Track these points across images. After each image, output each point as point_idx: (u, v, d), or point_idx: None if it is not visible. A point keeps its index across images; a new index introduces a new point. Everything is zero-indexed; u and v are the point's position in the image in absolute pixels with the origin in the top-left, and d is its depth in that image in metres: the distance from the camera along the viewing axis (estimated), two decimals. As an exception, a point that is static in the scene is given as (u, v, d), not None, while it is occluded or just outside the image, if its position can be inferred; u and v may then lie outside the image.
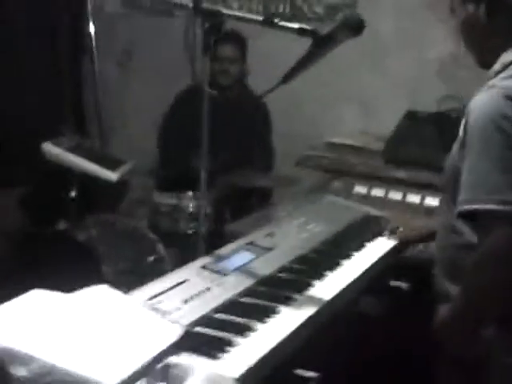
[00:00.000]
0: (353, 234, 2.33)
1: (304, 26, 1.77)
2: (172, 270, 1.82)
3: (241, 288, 1.76)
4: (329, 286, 1.88)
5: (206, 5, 1.93)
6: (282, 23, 1.81)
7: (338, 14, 3.65)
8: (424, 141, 3.84)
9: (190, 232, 3.34)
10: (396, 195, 3.23)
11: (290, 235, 2.18)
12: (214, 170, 3.77)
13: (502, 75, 1.77)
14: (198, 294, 1.67)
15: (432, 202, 3.19)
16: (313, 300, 1.77)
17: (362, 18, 1.76)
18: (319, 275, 1.93)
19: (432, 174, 3.64)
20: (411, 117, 3.96)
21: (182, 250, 3.05)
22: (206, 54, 1.95)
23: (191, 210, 3.41)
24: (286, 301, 1.73)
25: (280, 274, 1.91)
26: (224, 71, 3.97)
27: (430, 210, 3.10)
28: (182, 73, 4.12)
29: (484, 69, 1.95)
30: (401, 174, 3.63)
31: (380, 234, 2.37)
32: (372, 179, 3.47)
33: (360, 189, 3.32)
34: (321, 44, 1.76)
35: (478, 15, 1.84)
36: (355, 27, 1.75)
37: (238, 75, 4.02)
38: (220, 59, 3.93)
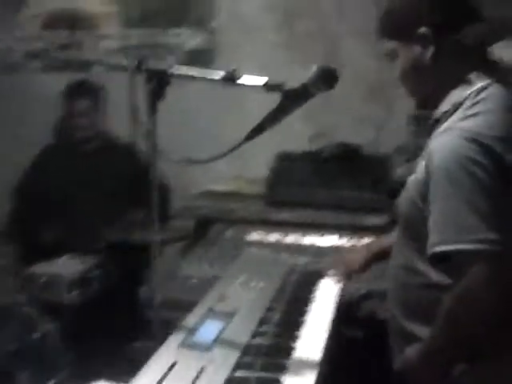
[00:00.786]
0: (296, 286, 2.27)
1: (271, 80, 1.69)
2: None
3: (232, 361, 1.65)
4: (310, 345, 1.81)
5: (151, 63, 1.81)
6: (246, 79, 1.72)
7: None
8: (302, 180, 3.88)
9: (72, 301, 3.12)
10: (295, 238, 3.21)
11: (240, 297, 2.08)
12: (83, 230, 3.67)
13: (457, 115, 1.77)
14: (198, 377, 1.55)
15: (329, 241, 3.20)
16: (305, 364, 1.69)
17: (336, 71, 1.71)
18: (293, 336, 1.86)
19: (315, 212, 3.69)
20: (284, 157, 3.99)
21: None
22: (152, 118, 1.83)
23: (72, 276, 3.19)
24: (281, 369, 1.65)
25: (258, 341, 1.81)
26: (77, 125, 3.85)
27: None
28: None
29: (423, 109, 1.96)
30: (285, 215, 3.64)
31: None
32: (259, 224, 3.44)
33: (254, 236, 3.27)
34: (290, 99, 1.70)
35: (424, 57, 1.84)
36: (329, 80, 1.70)
37: (94, 127, 3.90)
38: (71, 113, 3.82)
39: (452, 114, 1.78)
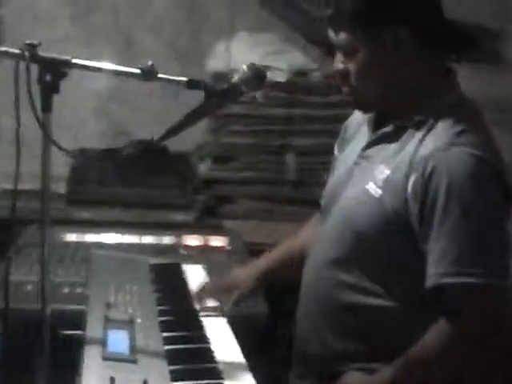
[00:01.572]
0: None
1: (194, 78, 1.62)
2: None
3: (166, 372, 1.57)
4: (224, 347, 1.76)
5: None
6: (167, 76, 1.63)
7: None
8: (104, 178, 3.76)
9: None
10: (125, 237, 3.10)
11: (125, 302, 1.98)
12: None
13: (442, 129, 1.64)
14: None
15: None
16: (234, 366, 1.65)
17: (264, 71, 1.67)
18: (204, 338, 1.81)
19: (121, 210, 3.59)
20: (82, 155, 3.84)
21: None
22: (47, 114, 1.66)
23: None
24: (218, 375, 1.59)
25: (175, 347, 1.72)
26: None
27: (160, 249, 3.02)
28: None
29: (365, 112, 1.82)
30: (87, 214, 3.52)
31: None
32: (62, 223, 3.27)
33: (73, 237, 3.11)
34: (216, 98, 1.63)
35: (398, 58, 1.69)
36: (260, 80, 1.66)
37: None
38: None
39: (429, 124, 1.67)
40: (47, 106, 1.68)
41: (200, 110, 1.68)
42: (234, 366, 1.65)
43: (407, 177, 1.63)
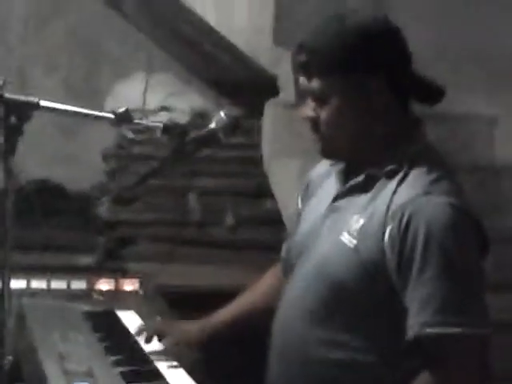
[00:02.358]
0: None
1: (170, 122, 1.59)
2: None
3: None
4: None
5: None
6: (140, 120, 1.59)
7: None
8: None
9: None
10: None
11: (76, 353, 1.90)
12: None
13: (429, 178, 1.62)
14: None
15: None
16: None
17: (238, 118, 1.65)
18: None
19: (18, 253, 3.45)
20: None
21: None
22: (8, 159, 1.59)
23: None
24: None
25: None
26: None
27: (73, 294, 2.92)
28: None
29: (332, 159, 1.78)
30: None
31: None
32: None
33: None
34: (192, 144, 1.61)
35: (373, 105, 1.66)
36: (235, 127, 1.65)
37: None
38: None
39: (402, 173, 1.65)
40: (12, 150, 1.61)
41: (175, 155, 1.65)
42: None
43: (384, 226, 1.59)
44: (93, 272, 3.30)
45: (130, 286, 3.09)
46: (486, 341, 1.58)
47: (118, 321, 2.27)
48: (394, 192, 1.63)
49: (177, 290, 3.32)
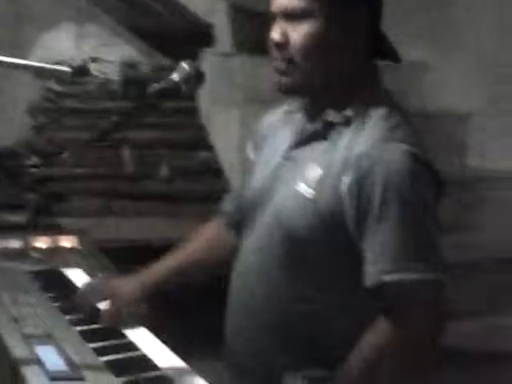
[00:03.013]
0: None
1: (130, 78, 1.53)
2: None
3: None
4: (158, 353, 1.70)
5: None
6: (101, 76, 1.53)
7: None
8: None
9: None
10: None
11: (31, 315, 1.84)
12: None
13: (387, 125, 1.62)
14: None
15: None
16: (181, 372, 1.60)
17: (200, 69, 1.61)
18: (133, 346, 1.73)
19: None
20: None
21: None
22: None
23: None
24: (171, 382, 1.54)
25: (111, 358, 1.64)
26: None
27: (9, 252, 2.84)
28: None
29: (295, 96, 1.74)
30: None
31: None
32: None
33: None
34: (154, 96, 1.55)
35: (343, 33, 1.62)
36: (201, 79, 1.60)
37: None
38: None
39: (360, 120, 1.63)
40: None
41: (136, 109, 1.59)
42: (180, 373, 1.59)
43: (342, 176, 1.59)
44: (26, 230, 3.22)
45: (67, 242, 3.02)
46: (443, 286, 1.60)
47: (66, 279, 2.21)
48: (352, 140, 1.62)
49: (113, 245, 3.26)
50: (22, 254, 2.84)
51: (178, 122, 3.67)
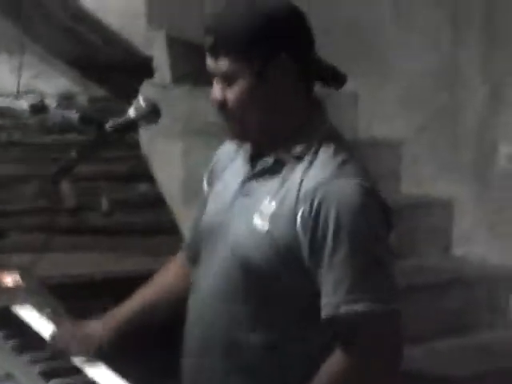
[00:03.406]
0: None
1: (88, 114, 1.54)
2: None
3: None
4: None
5: None
6: (61, 113, 1.54)
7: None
8: None
9: None
10: None
11: None
12: None
13: (336, 161, 1.65)
14: None
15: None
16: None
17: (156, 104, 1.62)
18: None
19: None
20: None
21: None
22: None
23: None
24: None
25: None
26: None
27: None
28: None
29: (242, 142, 1.77)
30: None
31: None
32: None
33: None
34: (112, 133, 1.56)
35: (280, 84, 1.67)
36: (156, 114, 1.62)
37: None
38: None
39: (309, 156, 1.67)
40: None
41: (94, 145, 1.60)
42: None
43: (295, 210, 1.62)
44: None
45: (9, 279, 2.97)
46: (396, 316, 1.64)
47: (15, 316, 2.18)
48: (303, 175, 1.65)
49: (55, 281, 3.22)
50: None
51: (118, 155, 3.66)
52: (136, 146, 3.42)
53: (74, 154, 1.62)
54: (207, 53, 1.68)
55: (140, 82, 3.32)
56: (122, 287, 3.44)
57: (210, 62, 1.68)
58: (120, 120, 1.63)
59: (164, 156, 3.24)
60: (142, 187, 3.73)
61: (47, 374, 1.73)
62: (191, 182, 3.03)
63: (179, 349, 1.85)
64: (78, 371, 1.78)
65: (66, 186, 3.69)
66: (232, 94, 1.66)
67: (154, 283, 2.01)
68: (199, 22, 3.19)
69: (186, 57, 3.34)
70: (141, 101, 1.66)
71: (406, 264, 3.00)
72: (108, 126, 1.62)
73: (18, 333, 2.00)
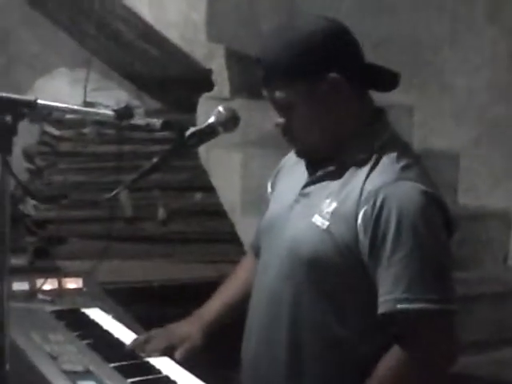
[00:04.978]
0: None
1: (170, 119, 1.61)
2: None
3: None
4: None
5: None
6: (143, 119, 1.61)
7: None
8: None
9: None
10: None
11: (65, 352, 1.89)
12: None
13: (399, 165, 1.72)
14: None
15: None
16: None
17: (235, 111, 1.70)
18: (170, 380, 1.78)
19: None
20: None
21: None
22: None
23: None
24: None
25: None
26: None
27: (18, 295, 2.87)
28: None
29: (305, 158, 1.85)
30: None
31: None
32: None
33: None
34: (192, 139, 1.64)
35: (335, 102, 1.75)
36: (234, 121, 1.70)
37: None
38: None
39: (372, 161, 1.74)
40: (8, 150, 1.59)
41: (174, 150, 1.68)
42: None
43: (357, 209, 1.69)
44: (26, 273, 3.24)
45: (73, 284, 3.06)
46: (453, 317, 1.71)
47: (87, 318, 2.26)
48: (367, 178, 1.72)
49: (114, 287, 3.30)
50: (30, 296, 2.87)
51: (175, 165, 3.73)
52: (193, 156, 3.48)
53: (155, 159, 1.68)
54: (262, 85, 1.77)
55: (199, 95, 3.40)
56: (178, 294, 3.53)
57: (265, 93, 1.78)
58: (200, 127, 1.70)
59: (223, 166, 3.31)
60: (199, 196, 3.80)
61: (124, 371, 1.80)
62: (249, 191, 3.10)
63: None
64: (152, 368, 1.85)
65: (123, 195, 3.77)
66: (292, 121, 1.76)
67: (232, 280, 2.11)
68: (255, 36, 3.28)
69: (243, 70, 3.41)
70: (221, 108, 1.73)
71: (462, 275, 3.02)
72: (188, 132, 1.69)
73: (91, 333, 2.08)
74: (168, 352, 1.93)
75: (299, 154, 1.85)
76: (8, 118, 1.59)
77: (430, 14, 3.79)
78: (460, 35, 3.68)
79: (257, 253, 2.01)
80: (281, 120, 1.78)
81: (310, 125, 1.76)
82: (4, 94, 1.59)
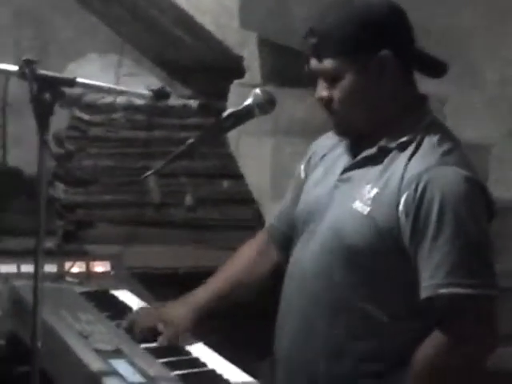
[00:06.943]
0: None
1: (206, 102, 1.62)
2: None
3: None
4: (225, 369, 1.77)
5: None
6: (179, 100, 1.61)
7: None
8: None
9: None
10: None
11: (96, 331, 1.90)
12: None
13: (441, 150, 1.72)
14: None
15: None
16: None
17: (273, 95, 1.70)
18: (199, 361, 1.80)
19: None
20: None
21: None
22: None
23: None
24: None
25: (182, 372, 1.70)
26: None
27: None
28: None
29: (346, 137, 1.83)
30: None
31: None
32: None
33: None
34: (229, 120, 1.64)
35: (383, 80, 1.74)
36: (271, 104, 1.68)
37: None
38: None
39: (413, 145, 1.73)
40: (46, 127, 1.60)
41: (211, 131, 1.68)
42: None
43: (398, 194, 1.68)
44: (54, 256, 3.27)
45: (101, 267, 3.07)
46: (494, 302, 1.70)
47: (115, 299, 2.28)
48: (408, 162, 1.71)
49: (140, 271, 3.31)
50: (58, 278, 2.89)
51: (204, 152, 3.74)
52: (221, 144, 3.49)
53: (192, 140, 1.69)
54: (310, 54, 1.75)
55: (230, 82, 3.39)
56: (204, 281, 3.54)
57: (313, 62, 1.76)
58: (237, 108, 1.70)
59: (253, 154, 3.31)
60: (227, 184, 3.80)
61: (153, 352, 1.82)
62: (279, 179, 3.09)
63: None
64: (182, 350, 1.86)
65: (152, 181, 3.78)
66: (337, 92, 1.74)
67: (235, 261, 2.09)
68: (287, 25, 3.28)
69: (275, 57, 3.40)
70: (258, 90, 1.73)
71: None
72: (226, 113, 1.69)
73: (121, 314, 2.09)
74: (151, 332, 1.92)
75: (338, 130, 1.83)
76: (48, 96, 1.60)
77: (463, 5, 3.76)
78: (493, 26, 3.65)
79: (274, 236, 2.00)
80: (325, 93, 1.76)
81: (353, 98, 1.74)
82: (45, 72, 1.61)
